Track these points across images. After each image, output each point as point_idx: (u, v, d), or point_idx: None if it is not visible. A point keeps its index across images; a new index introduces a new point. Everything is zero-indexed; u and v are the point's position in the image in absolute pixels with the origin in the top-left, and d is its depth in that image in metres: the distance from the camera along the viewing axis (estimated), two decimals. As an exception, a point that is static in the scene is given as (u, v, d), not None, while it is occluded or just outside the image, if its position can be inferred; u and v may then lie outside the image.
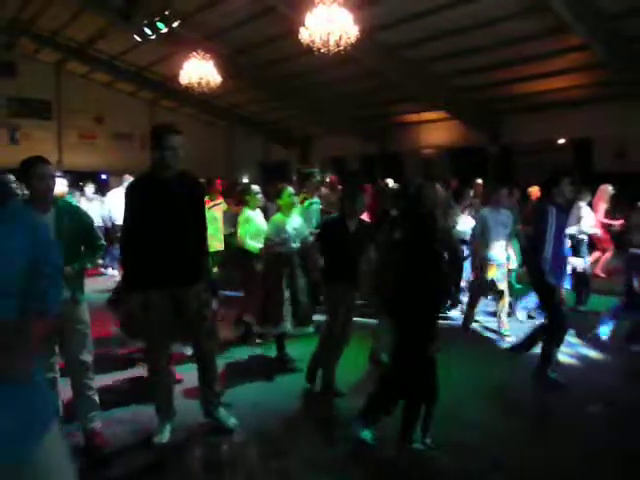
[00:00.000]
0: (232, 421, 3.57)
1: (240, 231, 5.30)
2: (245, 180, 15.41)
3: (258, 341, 5.43)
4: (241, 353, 5.22)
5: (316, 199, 6.16)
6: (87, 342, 3.29)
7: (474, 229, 5.93)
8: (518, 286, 7.00)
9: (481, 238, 5.70)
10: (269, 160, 18.75)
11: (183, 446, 3.41)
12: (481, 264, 5.75)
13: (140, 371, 4.34)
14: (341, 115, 14.46)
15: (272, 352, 5.07)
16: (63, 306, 3.01)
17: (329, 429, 3.72)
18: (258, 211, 5.49)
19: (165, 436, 3.41)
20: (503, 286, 5.77)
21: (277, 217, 4.81)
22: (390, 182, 8.64)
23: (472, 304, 6.01)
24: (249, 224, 5.28)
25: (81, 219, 3.31)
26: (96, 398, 3.34)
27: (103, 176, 16.10)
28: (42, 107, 16.61)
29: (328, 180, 8.49)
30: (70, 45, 14.53)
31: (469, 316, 6.01)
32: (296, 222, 4.85)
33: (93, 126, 17.58)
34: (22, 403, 1.60)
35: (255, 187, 5.56)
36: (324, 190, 7.66)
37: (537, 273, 4.27)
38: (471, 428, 3.57)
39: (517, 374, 4.63)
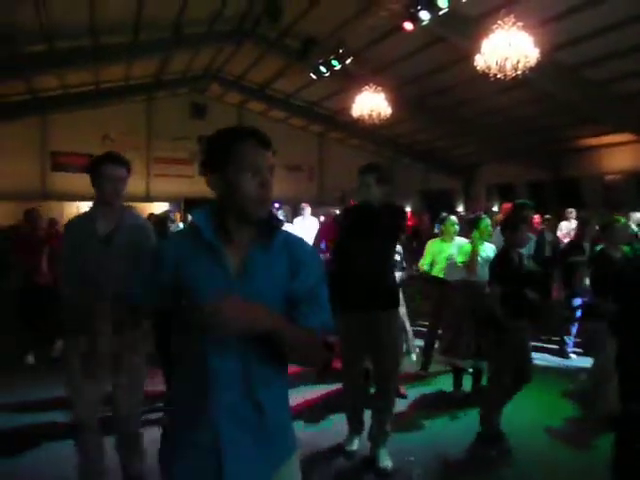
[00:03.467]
0: (386, 464, 3.42)
1: (437, 261, 5.32)
2: (408, 209, 15.47)
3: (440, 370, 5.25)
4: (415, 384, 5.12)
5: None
6: None
7: None
8: None
9: None
10: (428, 188, 18.63)
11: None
12: None
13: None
14: (510, 141, 13.86)
15: (445, 385, 4.97)
16: None
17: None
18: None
19: (354, 445, 3.65)
20: None
21: (467, 246, 4.75)
22: (572, 212, 8.09)
23: None
24: (441, 255, 5.26)
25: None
26: None
27: (276, 204, 17.30)
28: (226, 143, 18.48)
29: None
30: (251, 87, 16.08)
31: None
32: (489, 251, 4.70)
33: (268, 159, 19.05)
34: (280, 427, 1.58)
35: (453, 217, 5.44)
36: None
37: None
38: None
39: None
